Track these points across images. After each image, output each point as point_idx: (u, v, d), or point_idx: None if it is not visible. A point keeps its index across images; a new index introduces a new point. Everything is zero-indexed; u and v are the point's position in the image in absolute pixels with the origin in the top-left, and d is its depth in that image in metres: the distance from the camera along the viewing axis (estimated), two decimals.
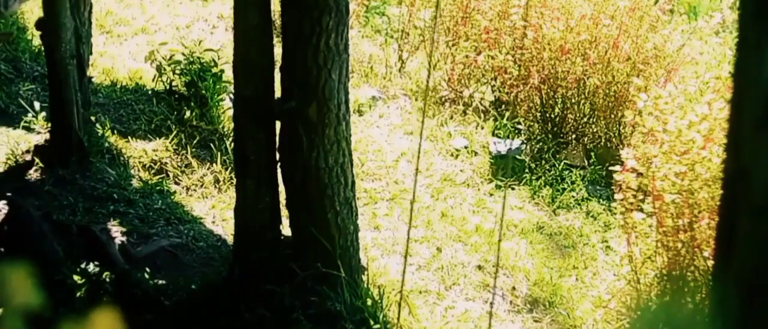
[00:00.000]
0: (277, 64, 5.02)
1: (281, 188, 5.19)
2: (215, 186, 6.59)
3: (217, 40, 8.88)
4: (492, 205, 6.69)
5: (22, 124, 7.07)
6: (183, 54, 7.51)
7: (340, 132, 4.92)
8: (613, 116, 7.31)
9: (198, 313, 5.14)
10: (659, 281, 5.14)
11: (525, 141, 7.41)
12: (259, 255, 5.17)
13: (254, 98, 5.00)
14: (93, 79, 7.44)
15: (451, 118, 7.81)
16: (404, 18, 8.96)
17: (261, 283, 5.07)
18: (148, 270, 5.51)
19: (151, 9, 9.59)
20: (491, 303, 5.51)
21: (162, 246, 5.90)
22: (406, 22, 8.91)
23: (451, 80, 8.18)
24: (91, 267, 5.25)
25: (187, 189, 6.58)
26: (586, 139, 7.43)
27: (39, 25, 6.44)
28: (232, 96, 6.20)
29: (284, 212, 5.23)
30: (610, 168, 5.41)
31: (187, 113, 7.20)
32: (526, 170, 7.10)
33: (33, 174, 6.40)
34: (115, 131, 7.01)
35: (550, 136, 7.43)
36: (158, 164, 6.74)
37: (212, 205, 6.42)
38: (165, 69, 7.56)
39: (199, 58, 7.44)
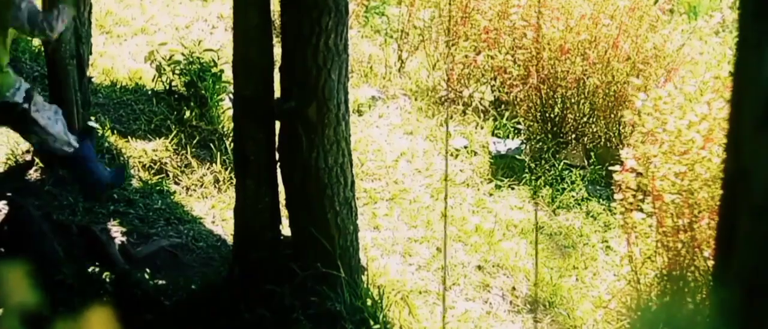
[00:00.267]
0: (277, 65, 5.02)
1: (281, 188, 5.19)
2: (215, 186, 6.59)
3: (216, 41, 8.87)
4: (492, 205, 6.69)
5: None
6: (183, 54, 7.51)
7: (339, 132, 4.92)
8: (612, 115, 7.31)
9: (198, 313, 5.14)
10: (659, 281, 5.13)
11: (525, 141, 7.41)
12: (258, 255, 5.17)
13: (254, 98, 5.00)
14: (93, 80, 7.44)
15: (451, 118, 7.81)
16: (404, 18, 8.96)
17: (261, 283, 5.07)
18: (148, 270, 5.51)
19: (151, 9, 9.59)
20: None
21: (162, 246, 5.89)
22: (405, 22, 8.91)
23: (450, 80, 8.18)
24: (91, 267, 5.26)
25: (187, 189, 6.58)
26: (585, 139, 7.42)
27: None
28: (231, 96, 6.20)
29: (284, 212, 5.23)
30: (610, 168, 5.40)
31: (187, 113, 7.20)
32: (526, 170, 7.10)
33: (33, 174, 6.40)
34: (115, 131, 7.01)
35: (549, 136, 7.43)
36: (158, 164, 6.74)
37: (212, 205, 6.42)
38: (165, 69, 7.56)
39: (198, 58, 7.44)
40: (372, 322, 5.02)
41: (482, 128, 7.63)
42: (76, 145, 6.05)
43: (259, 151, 5.07)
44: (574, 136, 7.46)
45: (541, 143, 7.38)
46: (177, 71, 7.48)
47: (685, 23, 8.75)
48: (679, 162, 4.91)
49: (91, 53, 7.18)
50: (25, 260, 1.97)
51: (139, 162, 6.73)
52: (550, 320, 5.62)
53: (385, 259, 5.87)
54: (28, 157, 6.50)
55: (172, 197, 6.46)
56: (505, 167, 7.12)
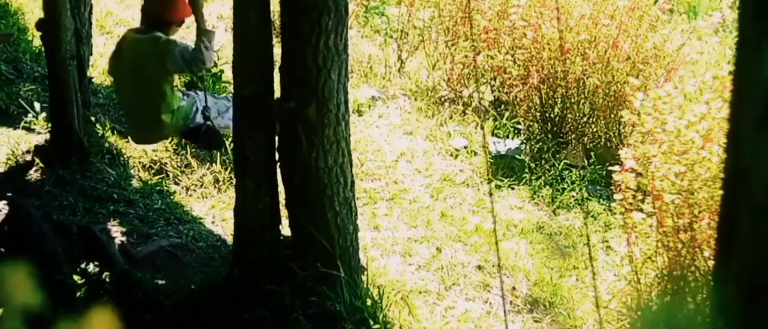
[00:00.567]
0: (277, 65, 5.02)
1: (281, 188, 5.19)
2: (215, 186, 6.59)
3: (216, 41, 8.88)
4: (491, 205, 6.69)
5: (22, 124, 7.07)
6: None
7: (339, 132, 4.92)
8: (612, 115, 7.31)
9: (198, 313, 5.14)
10: (660, 281, 5.13)
11: (524, 141, 7.41)
12: (258, 254, 5.17)
13: (254, 98, 5.00)
14: (93, 80, 7.45)
15: (451, 118, 7.81)
16: (403, 18, 8.97)
17: (261, 283, 5.06)
18: (148, 270, 5.51)
19: None
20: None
21: (162, 246, 5.90)
22: (405, 22, 8.91)
23: (450, 80, 8.18)
24: (91, 267, 5.25)
25: (187, 189, 6.58)
26: (585, 139, 7.43)
27: (39, 25, 6.44)
28: (231, 96, 6.20)
29: (284, 212, 5.23)
30: (610, 168, 5.40)
31: None
32: (526, 170, 7.10)
33: (33, 174, 6.41)
34: (115, 132, 7.02)
35: (549, 136, 7.43)
36: (158, 164, 6.74)
37: (212, 205, 6.42)
38: None
39: None
40: (372, 322, 5.02)
41: (482, 128, 7.63)
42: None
43: (259, 151, 5.07)
44: (574, 136, 7.46)
45: (541, 143, 7.38)
46: None
47: (684, 23, 8.75)
48: (679, 162, 4.91)
49: (91, 54, 7.19)
50: (26, 260, 1.97)
51: (139, 162, 6.73)
52: (550, 320, 5.62)
53: (385, 259, 5.87)
54: (29, 157, 6.51)
55: (171, 197, 6.46)
56: (505, 167, 7.13)
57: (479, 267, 5.92)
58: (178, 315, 5.17)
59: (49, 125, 6.67)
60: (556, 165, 7.16)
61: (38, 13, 7.59)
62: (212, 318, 5.08)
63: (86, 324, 1.90)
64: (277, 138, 5.05)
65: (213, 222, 6.25)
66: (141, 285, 5.32)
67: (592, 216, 6.72)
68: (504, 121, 7.63)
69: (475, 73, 8.15)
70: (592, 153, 7.33)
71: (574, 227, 6.57)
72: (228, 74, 6.75)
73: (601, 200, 6.88)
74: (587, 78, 7.27)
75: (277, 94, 5.03)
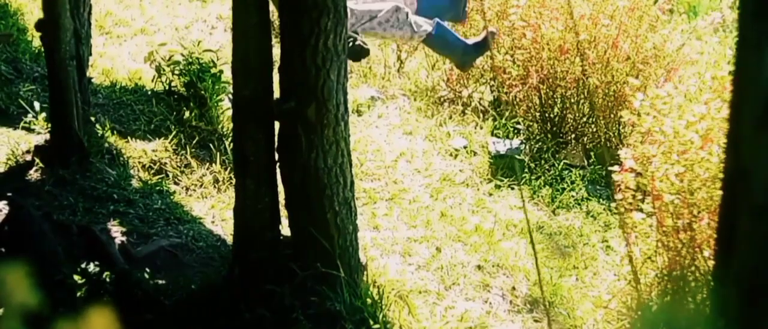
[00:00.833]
0: (276, 65, 5.02)
1: (280, 189, 5.19)
2: (214, 186, 6.59)
3: (216, 41, 8.88)
4: (491, 205, 6.69)
5: (22, 124, 7.07)
6: (182, 55, 7.51)
7: (338, 132, 4.92)
8: (612, 115, 7.31)
9: (198, 313, 5.14)
10: (660, 281, 5.13)
11: (524, 141, 7.41)
12: (258, 254, 5.17)
13: (253, 98, 5.00)
14: (93, 80, 7.44)
15: (450, 118, 7.81)
16: None
17: (261, 283, 5.07)
18: (148, 269, 5.51)
19: (151, 10, 9.60)
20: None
21: (162, 246, 5.89)
22: None
23: (449, 80, 8.18)
24: (91, 267, 5.25)
25: (187, 189, 6.58)
26: (585, 139, 7.43)
27: (39, 26, 6.44)
28: (231, 96, 6.20)
29: (283, 213, 5.23)
30: (610, 168, 5.41)
31: (187, 114, 7.20)
32: (526, 170, 7.10)
33: (33, 174, 6.40)
34: (115, 132, 7.01)
35: (549, 136, 7.43)
36: (158, 164, 6.74)
37: (212, 205, 6.42)
38: (164, 70, 7.57)
39: (198, 58, 7.44)
40: (372, 322, 5.02)
41: (481, 128, 7.64)
42: (430, 28, 6.74)
43: (259, 151, 5.07)
44: (573, 136, 7.46)
45: (540, 143, 7.39)
46: (176, 72, 7.49)
47: (684, 23, 8.75)
48: (679, 162, 4.91)
49: (90, 54, 7.19)
50: (25, 260, 1.97)
51: (139, 162, 6.73)
52: (550, 320, 5.62)
53: (385, 259, 5.87)
54: (29, 157, 6.50)
55: (171, 197, 6.46)
56: (504, 167, 7.13)
57: (479, 267, 5.92)
58: (178, 315, 5.17)
59: (49, 125, 6.66)
60: (556, 165, 7.16)
61: (38, 14, 7.59)
62: (212, 317, 5.08)
63: (86, 323, 1.90)
64: (276, 138, 5.05)
65: (213, 222, 6.25)
66: (141, 284, 5.32)
67: (592, 216, 6.72)
68: (503, 121, 7.63)
69: (475, 74, 8.15)
70: (591, 153, 7.34)
71: (574, 227, 6.57)
72: (227, 75, 6.75)
73: (600, 200, 6.88)
74: (587, 78, 7.27)
75: (277, 94, 5.03)
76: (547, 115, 7.51)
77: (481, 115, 7.83)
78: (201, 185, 6.59)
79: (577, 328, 5.57)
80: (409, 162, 7.09)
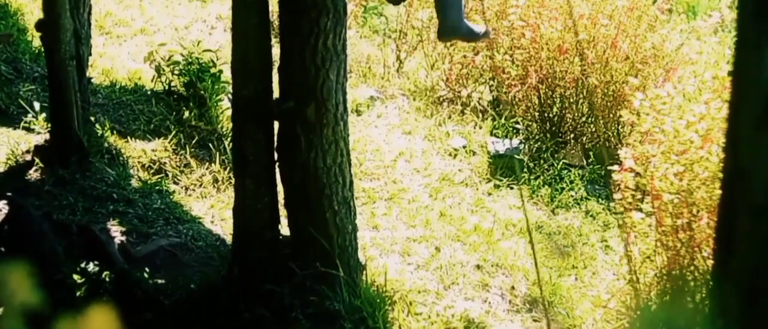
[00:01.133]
0: (276, 65, 5.02)
1: (280, 188, 5.19)
2: (214, 186, 6.60)
3: (215, 41, 8.88)
4: (490, 204, 6.69)
5: (22, 124, 7.07)
6: (182, 55, 7.52)
7: (338, 132, 4.92)
8: (611, 115, 7.31)
9: (197, 312, 5.15)
10: (659, 280, 5.14)
11: (523, 141, 7.41)
12: (258, 254, 5.17)
13: (253, 98, 5.00)
14: (92, 80, 7.44)
15: (449, 117, 7.81)
16: (402, 18, 8.97)
17: (260, 282, 5.07)
18: (147, 269, 5.51)
19: (150, 10, 9.60)
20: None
21: (161, 246, 5.90)
22: (403, 22, 8.92)
23: (449, 80, 8.19)
24: (91, 267, 5.26)
25: (186, 189, 6.58)
26: (584, 138, 7.43)
27: (39, 26, 6.44)
28: (230, 96, 6.20)
29: (283, 212, 5.23)
30: (609, 168, 5.41)
31: (186, 113, 7.21)
32: (525, 170, 7.10)
33: (33, 174, 6.40)
34: (115, 132, 7.02)
35: (548, 135, 7.43)
36: (157, 164, 6.74)
37: (211, 205, 6.42)
38: (164, 70, 7.57)
39: (197, 58, 7.45)
40: (371, 321, 5.02)
41: (481, 127, 7.64)
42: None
43: (258, 151, 5.08)
44: (572, 136, 7.47)
45: (539, 143, 7.39)
46: (176, 72, 7.49)
47: (683, 23, 8.76)
48: (678, 162, 4.92)
49: (90, 54, 7.19)
50: (26, 260, 1.97)
51: (139, 162, 6.73)
52: (549, 319, 5.62)
53: (384, 258, 5.88)
54: (29, 157, 6.51)
55: (171, 196, 6.46)
56: (503, 167, 7.13)
57: (478, 267, 5.93)
58: (177, 315, 5.18)
59: (49, 125, 6.67)
60: (555, 165, 7.16)
61: (38, 14, 7.60)
62: (211, 317, 5.09)
63: (86, 323, 1.90)
64: (276, 138, 5.05)
65: (212, 222, 6.26)
66: (141, 284, 5.32)
67: (591, 216, 6.73)
68: (502, 121, 7.63)
69: (474, 73, 8.15)
70: (590, 153, 7.34)
71: (573, 226, 6.57)
72: (227, 74, 6.75)
73: (600, 199, 6.89)
74: (586, 78, 7.27)
75: (276, 94, 5.03)
76: (546, 115, 7.52)
77: (480, 115, 7.83)
78: (200, 185, 6.59)
79: (576, 328, 5.57)
80: (409, 162, 7.10)
